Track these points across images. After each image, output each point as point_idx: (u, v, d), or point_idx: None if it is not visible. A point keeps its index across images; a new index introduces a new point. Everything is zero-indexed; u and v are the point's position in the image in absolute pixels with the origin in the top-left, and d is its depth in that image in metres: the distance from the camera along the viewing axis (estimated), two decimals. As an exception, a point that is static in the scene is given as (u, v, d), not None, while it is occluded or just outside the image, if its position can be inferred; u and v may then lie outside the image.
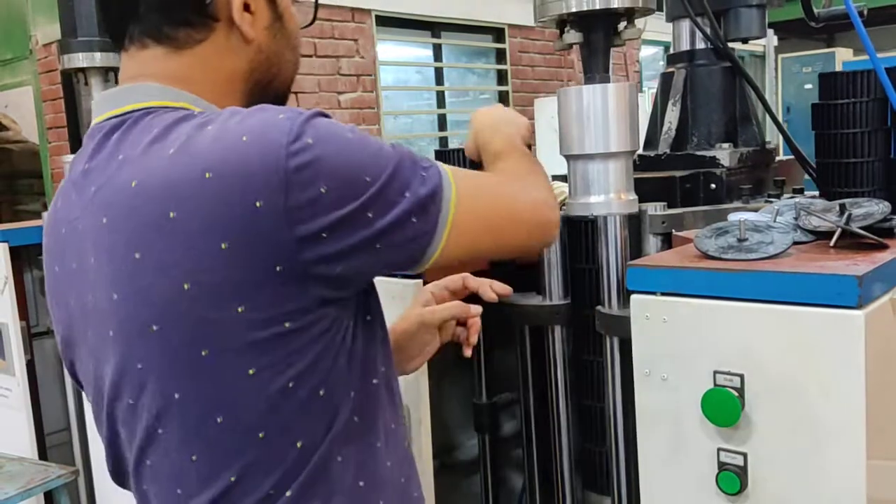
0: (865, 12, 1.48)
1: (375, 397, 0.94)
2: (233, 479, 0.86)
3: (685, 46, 1.66)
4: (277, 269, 0.80)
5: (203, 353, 0.82)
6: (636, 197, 1.40)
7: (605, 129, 1.33)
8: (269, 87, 0.99)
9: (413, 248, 0.88)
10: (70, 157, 2.85)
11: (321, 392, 0.86)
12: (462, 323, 1.27)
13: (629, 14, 1.36)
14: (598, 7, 1.31)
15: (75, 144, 4.96)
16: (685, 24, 1.65)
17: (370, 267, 0.88)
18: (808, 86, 8.77)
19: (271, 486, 0.86)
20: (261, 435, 0.85)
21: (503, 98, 6.89)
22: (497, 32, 6.76)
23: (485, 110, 1.25)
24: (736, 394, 1.01)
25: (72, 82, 5.07)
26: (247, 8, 0.93)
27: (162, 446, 0.89)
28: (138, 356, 0.87)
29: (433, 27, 6.38)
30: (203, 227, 0.79)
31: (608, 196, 1.37)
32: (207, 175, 0.79)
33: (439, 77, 6.63)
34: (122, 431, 0.93)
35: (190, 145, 0.82)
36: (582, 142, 1.34)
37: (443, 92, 6.65)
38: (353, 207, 0.81)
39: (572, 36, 1.35)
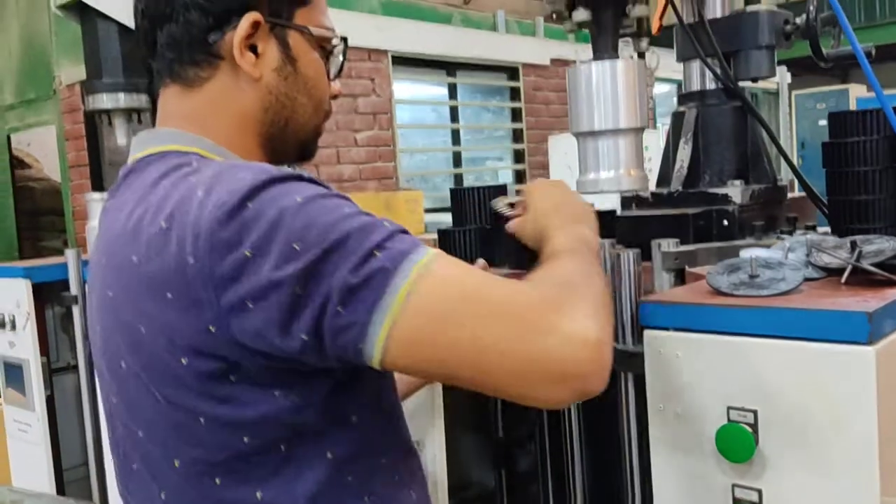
0: (873, 52, 1.50)
1: (374, 457, 0.90)
2: None
3: (696, 86, 1.69)
4: (211, 329, 0.78)
5: (157, 396, 0.84)
6: (646, 173, 1.41)
7: (615, 105, 1.34)
8: (286, 130, 0.99)
9: (342, 342, 0.76)
10: (92, 195, 2.92)
11: (282, 448, 0.84)
12: None
13: None
14: None
15: (97, 182, 5.06)
16: (695, 65, 1.68)
17: (300, 350, 0.78)
18: (823, 122, 8.76)
19: None
20: (217, 481, 0.84)
21: (517, 135, 6.96)
22: (511, 71, 6.85)
23: (546, 188, 1.12)
24: (750, 429, 1.02)
25: (95, 122, 5.17)
26: (254, 49, 0.94)
27: (135, 479, 0.92)
28: (113, 391, 0.92)
29: (448, 66, 6.48)
30: (154, 275, 0.81)
31: (618, 172, 1.38)
32: (163, 225, 0.82)
33: (454, 115, 6.71)
34: (114, 459, 0.99)
35: (168, 194, 0.84)
36: (591, 118, 1.36)
37: (458, 129, 6.73)
38: (276, 277, 0.75)
39: (581, 14, 1.38)
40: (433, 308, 0.76)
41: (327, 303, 0.76)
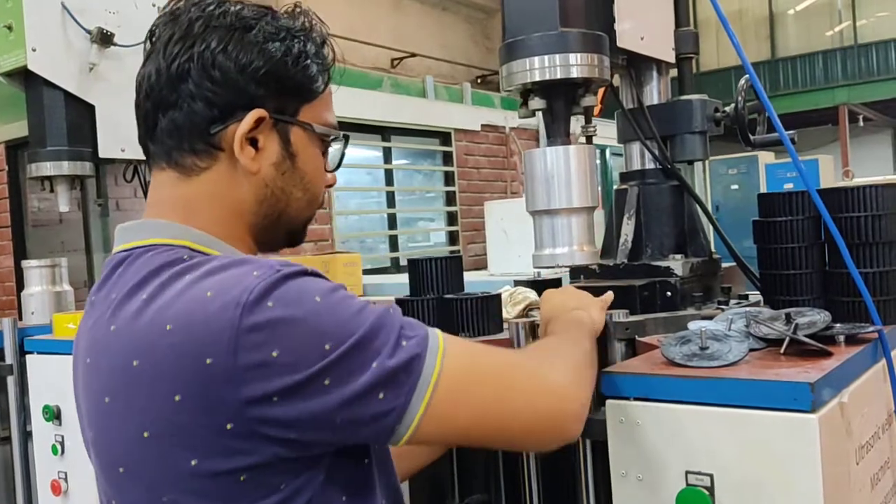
0: (796, 138, 1.66)
1: None
2: None
3: (636, 166, 1.82)
4: (228, 427, 0.79)
5: (164, 500, 0.83)
6: (598, 248, 1.51)
7: (568, 186, 1.44)
8: (278, 222, 1.00)
9: (378, 426, 0.82)
10: (29, 262, 2.86)
11: None
12: None
13: (587, 84, 1.50)
14: (559, 77, 1.44)
15: (19, 245, 4.91)
16: (636, 146, 1.81)
17: (331, 439, 0.84)
18: (735, 186, 9.28)
19: None
20: None
21: (450, 198, 7.11)
22: (443, 136, 7.04)
23: (556, 292, 1.30)
24: (707, 492, 1.10)
25: (19, 183, 5.04)
26: (254, 142, 0.95)
27: None
28: (112, 495, 0.90)
29: (383, 131, 6.62)
30: (160, 378, 0.81)
31: (572, 248, 1.47)
32: (168, 327, 0.81)
33: (389, 178, 6.82)
34: None
35: (162, 294, 0.84)
36: (547, 198, 1.45)
37: (392, 192, 6.84)
38: (306, 374, 0.79)
39: (536, 103, 1.48)
40: (457, 386, 0.87)
41: (368, 392, 0.81)
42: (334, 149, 1.06)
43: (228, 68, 0.92)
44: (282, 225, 1.01)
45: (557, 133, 1.49)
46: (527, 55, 1.45)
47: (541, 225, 1.49)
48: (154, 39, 0.96)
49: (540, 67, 1.44)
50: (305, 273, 0.85)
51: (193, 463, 0.81)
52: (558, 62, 1.44)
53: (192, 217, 0.95)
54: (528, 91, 1.51)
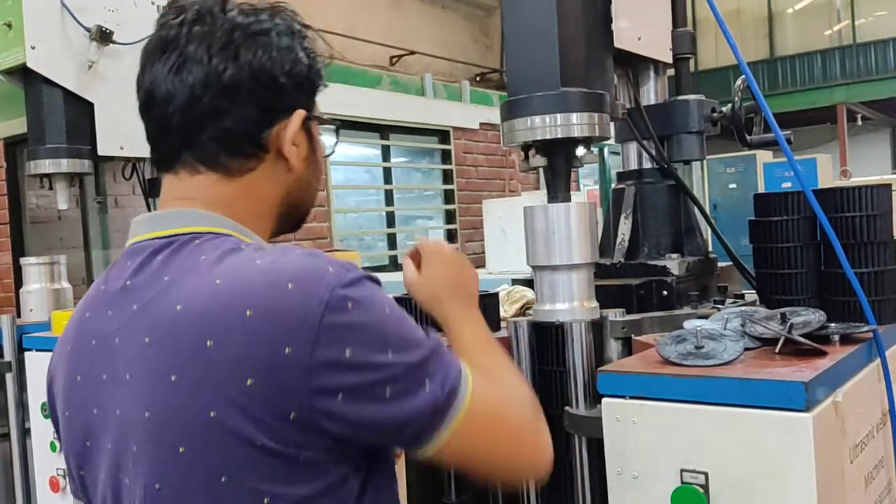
0: (792, 139, 1.67)
1: None
2: None
3: (633, 166, 1.83)
4: (291, 416, 0.84)
5: (223, 479, 0.85)
6: (597, 304, 1.52)
7: (569, 243, 1.45)
8: (295, 212, 1.05)
9: (413, 440, 0.90)
10: (28, 259, 2.86)
11: None
12: None
13: (587, 141, 1.51)
14: (559, 136, 1.45)
15: (17, 241, 4.91)
16: (633, 146, 1.82)
17: (373, 441, 0.91)
18: (732, 185, 9.28)
19: None
20: None
21: (449, 196, 7.12)
22: (442, 134, 7.04)
23: (445, 259, 1.20)
24: (702, 490, 1.11)
25: (17, 180, 5.04)
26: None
27: None
28: (160, 477, 0.89)
29: (382, 129, 6.62)
30: (234, 361, 0.84)
31: (572, 304, 1.48)
32: (248, 313, 0.84)
33: (388, 176, 6.83)
34: None
35: (238, 279, 0.87)
36: (548, 255, 1.46)
37: (391, 190, 6.85)
38: (372, 379, 0.85)
39: (538, 160, 1.50)
40: (476, 419, 0.92)
41: (417, 412, 0.88)
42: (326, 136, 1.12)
43: (276, 74, 0.97)
44: (299, 213, 1.07)
45: (558, 189, 1.51)
46: (529, 114, 1.46)
47: (541, 280, 1.50)
48: (177, 49, 0.95)
49: (541, 126, 1.46)
50: (370, 279, 0.91)
51: (258, 443, 0.84)
52: (559, 122, 1.45)
53: (225, 208, 0.98)
54: (528, 146, 1.52)
